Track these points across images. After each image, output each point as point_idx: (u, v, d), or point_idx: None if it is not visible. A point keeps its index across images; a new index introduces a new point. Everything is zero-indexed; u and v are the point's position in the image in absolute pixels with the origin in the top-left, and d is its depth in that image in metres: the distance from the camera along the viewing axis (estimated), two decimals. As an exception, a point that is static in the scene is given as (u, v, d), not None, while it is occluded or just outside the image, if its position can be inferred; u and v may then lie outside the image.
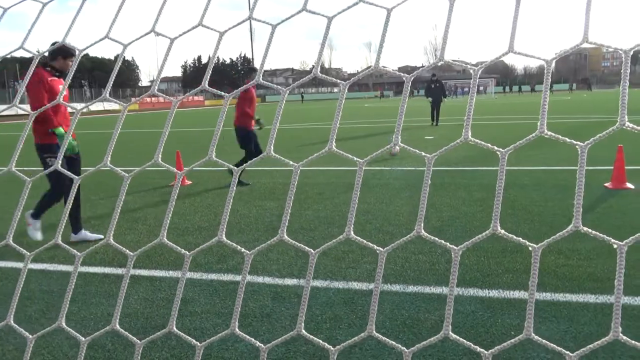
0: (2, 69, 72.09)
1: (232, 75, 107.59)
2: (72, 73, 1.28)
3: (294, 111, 39.15)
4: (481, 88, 76.15)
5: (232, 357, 2.71)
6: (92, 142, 17.41)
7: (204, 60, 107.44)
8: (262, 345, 0.98)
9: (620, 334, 0.78)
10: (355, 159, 1.02)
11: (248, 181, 7.90)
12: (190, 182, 8.08)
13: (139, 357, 1.05)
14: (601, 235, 0.85)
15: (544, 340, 0.85)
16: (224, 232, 1.05)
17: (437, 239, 0.96)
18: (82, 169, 5.17)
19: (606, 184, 6.70)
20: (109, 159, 1.18)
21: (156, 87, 1.18)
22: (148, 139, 17.47)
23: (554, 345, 0.85)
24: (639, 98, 37.41)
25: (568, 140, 0.88)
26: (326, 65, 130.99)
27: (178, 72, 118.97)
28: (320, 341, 0.97)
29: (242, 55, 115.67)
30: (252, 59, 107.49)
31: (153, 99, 72.04)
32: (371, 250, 4.39)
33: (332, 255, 4.26)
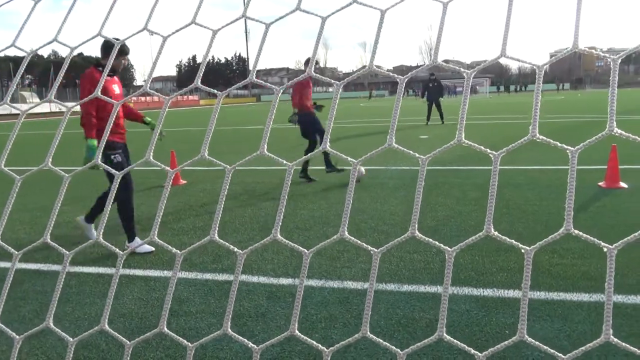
0: (-5, 68, 71.66)
1: (227, 74, 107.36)
2: (63, 72, 1.28)
3: (289, 111, 39.08)
4: (477, 87, 76.29)
5: (227, 357, 2.71)
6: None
7: (199, 60, 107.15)
8: (254, 346, 0.97)
9: (612, 336, 0.78)
10: (349, 159, 1.02)
11: (314, 177, 7.85)
12: (185, 182, 8.06)
13: (129, 358, 1.05)
14: (591, 238, 0.85)
15: (537, 342, 0.85)
16: (216, 232, 1.05)
17: (431, 240, 0.97)
18: (73, 168, 5.13)
19: (600, 183, 6.73)
20: (100, 157, 1.17)
21: (148, 86, 1.18)
22: (142, 139, 17.42)
23: (547, 347, 0.85)
24: (632, 98, 37.60)
25: (559, 144, 0.88)
26: (321, 65, 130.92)
27: (173, 72, 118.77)
28: (314, 342, 0.97)
29: (237, 54, 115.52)
30: (247, 58, 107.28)
31: (147, 98, 71.83)
32: (365, 251, 4.39)
33: (327, 255, 4.25)
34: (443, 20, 0.98)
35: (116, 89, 4.70)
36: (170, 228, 5.37)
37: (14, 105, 1.29)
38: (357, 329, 2.98)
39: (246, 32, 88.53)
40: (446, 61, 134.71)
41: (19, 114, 1.22)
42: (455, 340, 0.91)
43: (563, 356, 0.81)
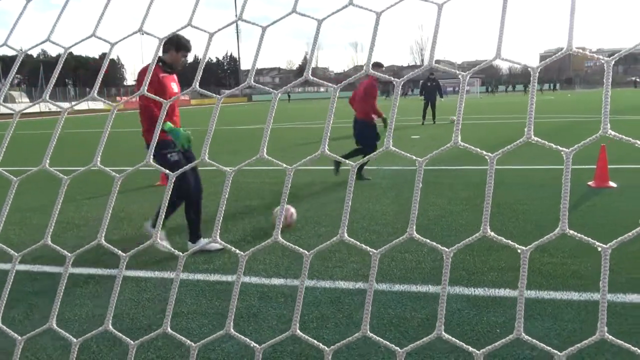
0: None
1: (218, 74, 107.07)
2: (57, 72, 1.27)
3: (282, 111, 39.07)
4: (467, 88, 76.48)
5: (218, 358, 2.71)
6: (77, 142, 17.26)
7: (189, 60, 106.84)
8: (257, 345, 0.98)
9: (606, 334, 0.79)
10: (347, 161, 1.02)
11: (368, 176, 7.88)
12: (176, 182, 8.03)
13: (133, 358, 1.04)
14: (586, 237, 0.86)
15: (534, 340, 0.86)
16: (217, 234, 1.05)
17: (428, 240, 0.97)
18: (68, 168, 5.05)
19: (589, 183, 6.78)
20: (99, 158, 1.17)
21: (146, 88, 1.17)
22: (133, 139, 17.35)
23: (543, 345, 0.86)
24: (621, 98, 37.91)
25: (554, 146, 0.89)
26: (312, 65, 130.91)
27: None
28: (315, 341, 0.97)
29: (229, 54, 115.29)
30: (239, 58, 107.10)
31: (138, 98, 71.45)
32: (358, 250, 4.40)
33: (318, 255, 4.26)
34: (438, 22, 0.99)
35: (174, 87, 4.48)
36: (163, 228, 5.35)
37: (7, 105, 1.28)
38: (348, 328, 2.99)
39: (237, 32, 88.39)
40: (437, 61, 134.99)
41: (9, 114, 1.21)
42: (453, 339, 0.91)
43: (559, 353, 0.82)
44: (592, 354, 2.61)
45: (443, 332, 0.88)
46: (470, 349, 0.87)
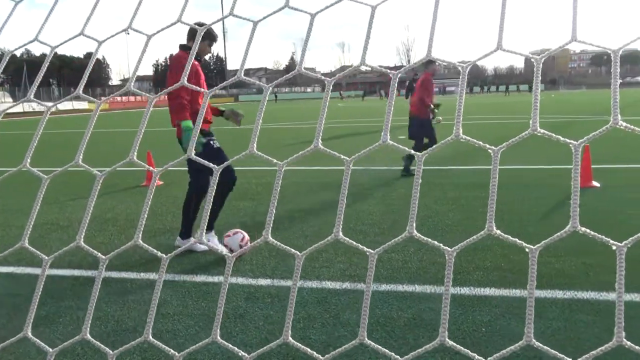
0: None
1: (205, 73, 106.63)
2: (43, 72, 1.25)
3: (269, 111, 39.00)
4: (453, 88, 77.13)
5: (204, 359, 2.69)
6: (61, 142, 17.08)
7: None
8: (245, 354, 0.97)
9: (624, 339, 0.78)
10: (342, 156, 1.01)
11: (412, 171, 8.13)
12: (162, 183, 7.98)
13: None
14: (599, 236, 0.86)
15: (545, 347, 0.85)
16: (203, 234, 1.04)
17: (429, 239, 0.96)
18: (51, 168, 4.96)
19: (573, 183, 6.85)
20: (81, 157, 1.15)
21: (132, 84, 1.16)
22: (117, 140, 17.21)
23: (556, 352, 0.85)
24: (605, 99, 38.35)
25: (562, 139, 0.89)
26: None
27: (149, 71, 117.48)
28: (309, 349, 0.97)
29: (215, 54, 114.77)
30: (225, 58, 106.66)
31: (124, 97, 70.93)
32: (344, 250, 4.40)
33: (306, 255, 4.25)
34: (434, 27, 0.99)
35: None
36: (147, 230, 5.31)
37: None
38: (335, 328, 2.99)
39: (224, 32, 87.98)
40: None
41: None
42: (458, 346, 0.90)
43: (568, 359, 0.81)
44: (576, 353, 2.64)
45: (447, 339, 0.87)
46: (477, 356, 0.86)
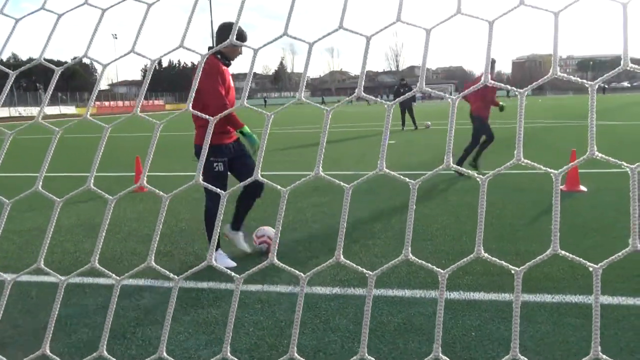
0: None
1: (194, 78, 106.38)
2: (55, 80, 1.24)
3: (258, 116, 39.02)
4: (441, 93, 77.26)
5: (194, 365, 2.67)
6: (45, 148, 16.93)
7: (164, 64, 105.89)
8: None
9: (600, 353, 0.79)
10: (342, 184, 1.02)
11: (477, 167, 8.51)
12: (147, 190, 7.92)
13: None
14: (577, 258, 0.87)
15: None
16: (213, 255, 1.03)
17: (424, 262, 0.97)
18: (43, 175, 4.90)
19: (561, 187, 6.92)
20: (92, 181, 1.14)
21: (143, 90, 1.15)
22: (107, 146, 17.09)
23: None
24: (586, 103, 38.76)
25: (543, 168, 0.91)
26: (288, 70, 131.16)
27: (138, 76, 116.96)
28: None
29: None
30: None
31: (112, 102, 70.55)
32: (334, 255, 4.40)
33: (295, 260, 4.25)
34: (427, 44, 0.99)
35: (232, 82, 4.20)
36: (135, 235, 5.27)
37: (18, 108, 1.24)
38: (325, 334, 2.98)
39: (212, 37, 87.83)
40: (411, 67, 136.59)
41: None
42: None
43: None
44: (564, 355, 2.65)
45: (440, 354, 0.88)
46: None
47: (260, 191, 4.34)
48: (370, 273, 0.93)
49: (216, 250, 4.26)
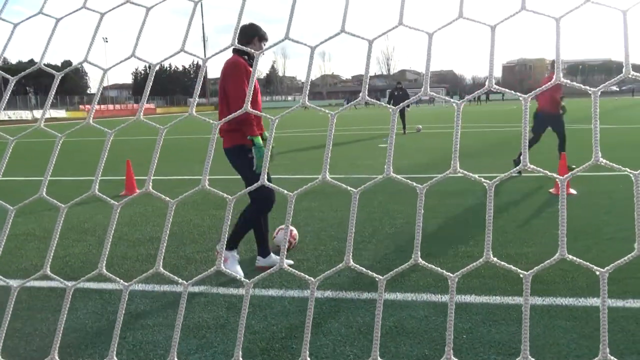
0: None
1: (185, 82, 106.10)
2: (55, 85, 1.23)
3: (248, 119, 38.80)
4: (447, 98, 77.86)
5: (185, 370, 2.66)
6: (37, 151, 16.83)
7: (156, 68, 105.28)
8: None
9: (609, 355, 0.80)
10: (349, 188, 1.02)
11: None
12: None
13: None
14: (585, 262, 0.88)
15: None
16: (221, 263, 1.03)
17: (433, 266, 0.98)
18: (32, 178, 4.84)
19: (551, 190, 6.97)
20: (97, 186, 1.14)
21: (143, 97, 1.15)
22: (96, 148, 17.00)
23: None
24: (579, 108, 39.07)
25: (622, 168, 0.92)
26: (280, 74, 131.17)
27: (128, 80, 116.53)
28: None
29: (195, 63, 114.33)
30: (206, 67, 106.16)
31: (102, 106, 70.24)
32: (326, 259, 4.40)
33: (286, 263, 4.24)
34: (430, 48, 1.00)
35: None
36: (127, 239, 5.24)
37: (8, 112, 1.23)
38: (317, 337, 2.98)
39: (204, 40, 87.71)
40: (402, 71, 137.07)
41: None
42: None
43: None
44: (554, 357, 2.67)
45: (452, 357, 0.88)
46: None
47: (271, 204, 4.10)
48: (380, 277, 0.93)
49: (232, 249, 4.11)
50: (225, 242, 3.98)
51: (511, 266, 0.92)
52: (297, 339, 2.98)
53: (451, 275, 0.89)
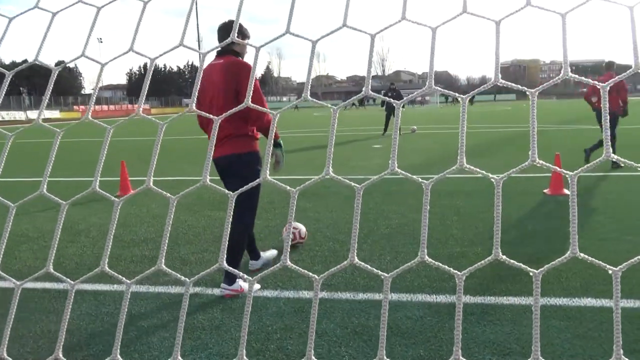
0: None
1: (179, 82, 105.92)
2: (52, 82, 1.22)
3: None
4: (427, 98, 78.31)
5: (180, 372, 2.65)
6: (31, 152, 16.75)
7: (155, 61, 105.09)
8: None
9: (623, 357, 0.79)
10: (352, 184, 1.02)
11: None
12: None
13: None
14: (597, 261, 0.88)
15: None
16: (224, 259, 1.03)
17: (440, 264, 0.97)
18: (24, 179, 4.83)
19: (545, 190, 6.99)
20: (97, 184, 1.13)
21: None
22: (91, 149, 16.95)
23: None
24: (572, 108, 39.24)
25: (634, 164, 0.91)
26: (275, 74, 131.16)
27: (123, 80, 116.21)
28: None
29: (190, 63, 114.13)
30: (200, 67, 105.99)
31: (97, 106, 69.93)
32: (321, 259, 4.40)
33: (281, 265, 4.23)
34: (433, 45, 1.00)
35: None
36: (121, 240, 5.22)
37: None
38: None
39: (199, 40, 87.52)
40: (397, 72, 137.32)
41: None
42: None
43: None
44: (548, 357, 2.67)
45: (460, 357, 0.87)
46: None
47: (254, 216, 3.93)
48: (386, 275, 0.93)
49: (257, 259, 4.20)
50: (225, 275, 3.71)
51: (520, 264, 0.92)
52: (292, 339, 2.98)
53: (459, 273, 0.89)
